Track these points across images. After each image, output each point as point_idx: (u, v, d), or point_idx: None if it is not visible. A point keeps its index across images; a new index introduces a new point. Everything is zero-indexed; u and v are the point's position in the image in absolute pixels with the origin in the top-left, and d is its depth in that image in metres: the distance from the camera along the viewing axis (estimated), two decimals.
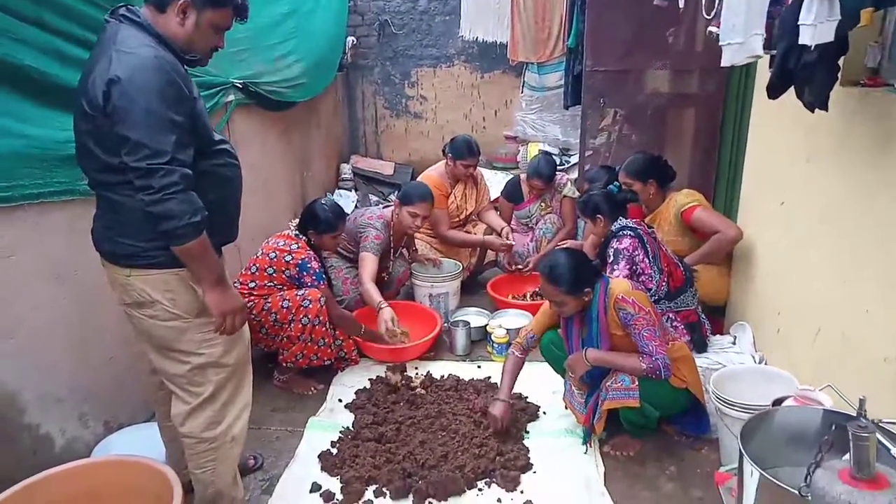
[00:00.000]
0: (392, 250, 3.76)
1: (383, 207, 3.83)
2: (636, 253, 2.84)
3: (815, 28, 1.41)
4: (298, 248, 3.01)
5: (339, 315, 3.10)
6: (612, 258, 2.86)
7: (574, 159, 5.54)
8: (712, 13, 2.03)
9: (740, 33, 1.54)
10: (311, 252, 3.04)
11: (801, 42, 1.46)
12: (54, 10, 2.22)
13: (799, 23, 1.44)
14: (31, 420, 2.26)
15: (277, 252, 3.01)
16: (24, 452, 2.23)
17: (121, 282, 1.87)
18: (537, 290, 3.87)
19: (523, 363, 2.78)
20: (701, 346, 2.96)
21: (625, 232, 2.88)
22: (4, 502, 1.82)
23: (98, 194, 1.87)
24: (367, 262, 3.44)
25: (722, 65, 1.70)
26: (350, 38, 6.10)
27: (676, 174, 3.38)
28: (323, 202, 3.21)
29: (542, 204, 4.24)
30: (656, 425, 2.56)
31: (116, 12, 1.78)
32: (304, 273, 2.96)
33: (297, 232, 3.11)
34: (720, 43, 1.63)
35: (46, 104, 2.22)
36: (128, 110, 1.64)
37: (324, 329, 3.00)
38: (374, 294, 3.36)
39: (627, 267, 2.81)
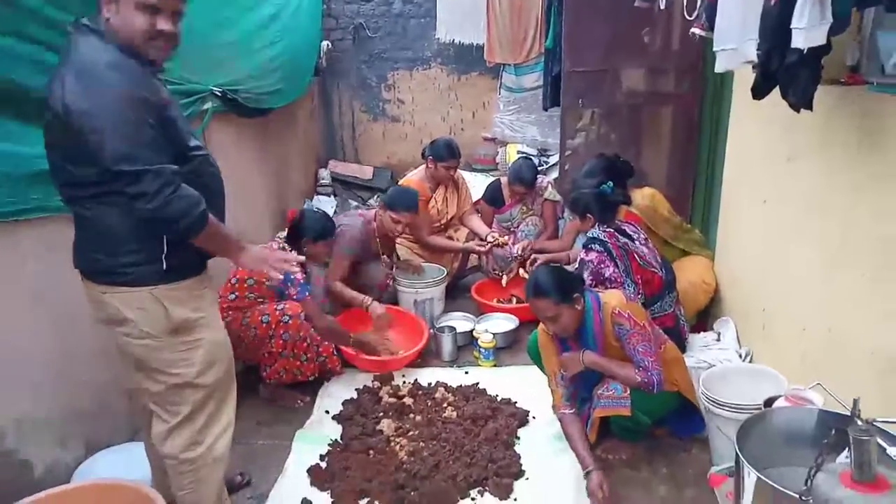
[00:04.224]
0: (377, 250, 3.73)
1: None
2: (602, 266, 2.82)
3: (807, 32, 1.41)
4: None
5: (325, 327, 3.04)
6: (578, 266, 2.86)
7: (553, 160, 5.56)
8: (694, 15, 2.02)
9: (734, 39, 1.53)
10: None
11: (793, 46, 1.46)
12: (32, 19, 2.14)
13: (792, 26, 1.45)
14: (9, 446, 2.19)
15: None
16: (2, 480, 2.15)
17: (97, 299, 1.84)
18: (519, 296, 3.85)
19: (576, 417, 2.54)
20: (680, 350, 2.96)
21: (593, 245, 2.87)
22: None
23: (72, 211, 1.82)
24: (337, 263, 3.45)
25: (716, 70, 1.70)
26: (325, 43, 6.04)
27: (634, 171, 3.27)
28: (314, 209, 3.17)
29: (524, 207, 4.23)
30: (647, 430, 2.55)
31: (77, 23, 1.72)
32: (289, 285, 2.88)
33: (284, 244, 3.05)
34: (714, 49, 1.62)
35: (20, 117, 2.14)
36: (96, 120, 1.59)
37: (305, 344, 2.94)
38: (350, 292, 3.41)
39: (591, 278, 2.80)
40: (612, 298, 2.44)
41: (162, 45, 1.75)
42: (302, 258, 2.20)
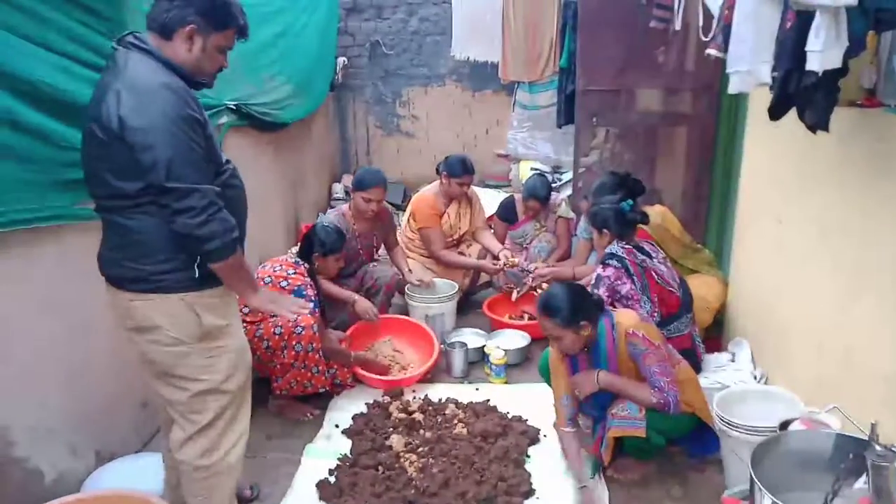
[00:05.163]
0: (357, 239, 3.73)
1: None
2: (618, 282, 2.81)
3: (823, 54, 1.42)
4: (295, 274, 2.97)
5: (329, 348, 3.06)
6: (594, 282, 2.85)
7: (566, 177, 5.56)
8: (710, 35, 2.03)
9: (747, 61, 1.54)
10: (308, 279, 3.00)
11: (808, 68, 1.46)
12: (59, 32, 2.20)
13: (807, 49, 1.45)
14: (21, 453, 2.19)
15: (273, 277, 2.96)
16: (13, 488, 2.16)
17: (124, 306, 1.87)
18: (531, 313, 3.84)
19: (575, 434, 2.57)
20: (695, 371, 2.93)
21: (611, 261, 2.86)
22: None
23: (105, 219, 1.86)
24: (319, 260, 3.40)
25: (729, 92, 1.71)
26: (341, 59, 6.12)
27: (645, 188, 3.27)
28: (325, 224, 3.19)
29: (537, 224, 4.23)
30: (661, 450, 2.53)
31: (124, 40, 1.80)
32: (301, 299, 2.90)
33: (296, 259, 3.07)
34: (727, 71, 1.63)
35: (57, 122, 2.18)
36: (152, 133, 1.67)
37: (317, 356, 2.95)
38: (336, 289, 3.43)
39: (607, 293, 2.79)
40: (626, 318, 2.43)
41: (216, 74, 1.93)
42: (310, 307, 2.24)
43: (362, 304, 3.48)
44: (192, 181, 1.70)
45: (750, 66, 1.53)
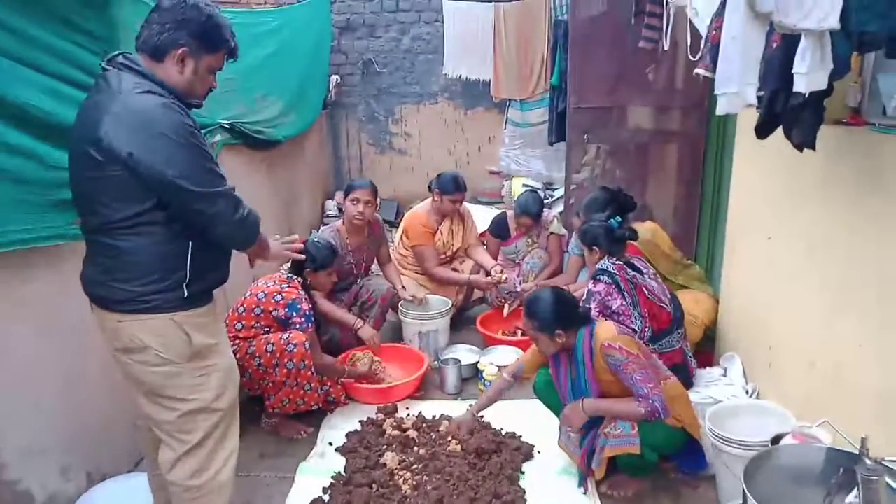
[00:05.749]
0: (351, 254, 3.75)
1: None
2: (609, 298, 2.83)
3: (808, 76, 1.45)
4: (289, 288, 2.98)
5: (321, 364, 3.04)
6: (585, 297, 2.88)
7: (558, 193, 5.61)
8: (698, 56, 2.07)
9: (736, 82, 1.58)
10: (303, 293, 3.00)
11: (795, 90, 1.50)
12: (49, 52, 2.21)
13: (794, 71, 1.49)
14: (12, 475, 2.17)
15: (266, 292, 2.96)
16: None
17: (111, 327, 1.85)
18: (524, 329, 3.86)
19: (508, 387, 2.84)
20: (687, 385, 2.95)
21: (601, 277, 2.89)
22: None
23: (93, 239, 1.85)
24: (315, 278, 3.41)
25: (718, 113, 1.74)
26: (334, 77, 6.17)
27: (636, 204, 3.36)
28: (316, 239, 3.19)
29: (529, 240, 4.26)
30: (653, 466, 2.53)
31: (114, 60, 1.80)
32: (294, 314, 2.90)
33: (289, 274, 3.07)
34: (716, 92, 1.67)
35: (45, 143, 2.18)
36: (163, 153, 1.69)
37: (309, 373, 2.94)
38: (339, 312, 3.47)
39: (598, 309, 2.81)
40: (604, 331, 2.45)
41: (207, 95, 1.97)
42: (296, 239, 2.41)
43: (367, 331, 3.48)
44: (214, 186, 1.78)
45: (738, 88, 1.57)
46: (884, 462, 1.38)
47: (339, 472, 2.72)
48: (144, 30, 1.81)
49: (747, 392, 2.87)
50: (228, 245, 1.95)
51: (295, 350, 2.86)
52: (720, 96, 1.67)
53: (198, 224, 1.80)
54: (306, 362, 2.90)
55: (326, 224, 6.09)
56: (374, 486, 2.60)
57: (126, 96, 1.71)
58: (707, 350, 3.41)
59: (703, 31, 2.09)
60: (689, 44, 2.16)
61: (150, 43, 1.79)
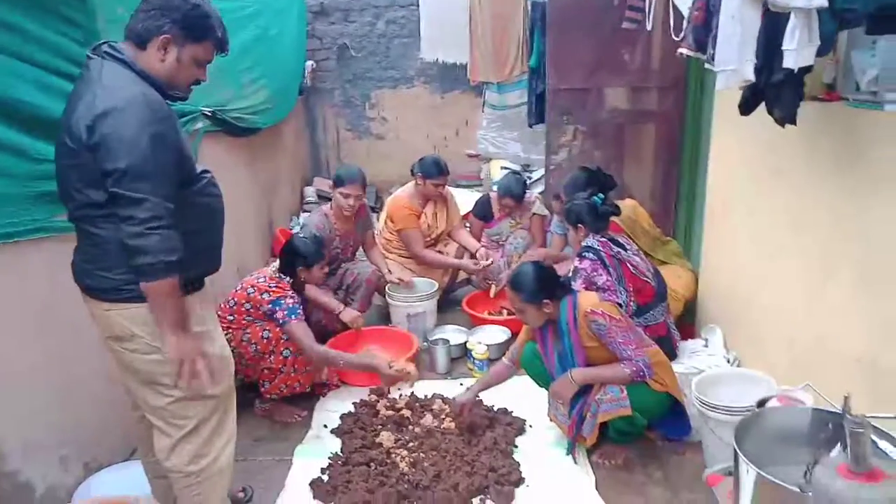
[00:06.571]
0: (338, 238, 3.79)
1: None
2: (595, 274, 2.91)
3: (797, 53, 1.52)
4: (277, 287, 2.95)
5: (316, 353, 2.94)
6: (571, 274, 2.95)
7: (536, 175, 5.66)
8: (681, 35, 2.13)
9: (735, 60, 1.64)
10: (290, 291, 2.96)
11: (784, 66, 1.57)
12: (31, 41, 2.18)
13: (783, 48, 1.55)
14: (12, 467, 2.17)
15: (255, 288, 2.95)
16: (3, 501, 2.14)
17: (100, 315, 1.86)
18: (509, 308, 3.92)
19: (508, 372, 2.88)
20: (671, 357, 3.04)
21: (587, 254, 2.96)
22: None
23: (78, 227, 1.85)
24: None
25: (717, 89, 1.81)
26: (309, 62, 6.12)
27: (616, 184, 3.42)
28: (301, 235, 3.19)
29: (512, 221, 4.31)
30: (642, 431, 2.63)
31: (99, 49, 1.78)
32: (277, 308, 2.88)
33: (279, 274, 3.03)
34: (714, 69, 1.72)
35: (30, 135, 2.16)
36: (115, 142, 1.64)
37: (304, 359, 2.96)
38: (324, 297, 3.46)
39: (583, 285, 2.89)
40: (586, 300, 2.56)
41: (192, 88, 1.90)
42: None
43: (349, 313, 3.51)
44: (145, 193, 1.65)
45: (736, 65, 1.63)
46: (868, 418, 1.47)
47: (336, 453, 2.76)
48: (132, 17, 1.80)
49: (728, 361, 2.98)
50: (129, 258, 1.70)
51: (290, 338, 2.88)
52: (719, 73, 1.73)
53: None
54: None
55: (306, 211, 6.09)
56: (371, 464, 2.65)
57: (103, 84, 1.70)
58: (688, 323, 3.52)
59: (686, 12, 2.15)
60: (672, 24, 2.21)
61: (135, 30, 1.78)
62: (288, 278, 3.02)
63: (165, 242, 1.68)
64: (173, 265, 1.70)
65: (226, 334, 2.55)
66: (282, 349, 2.88)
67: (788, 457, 1.74)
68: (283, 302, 2.90)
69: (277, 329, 2.87)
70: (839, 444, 1.51)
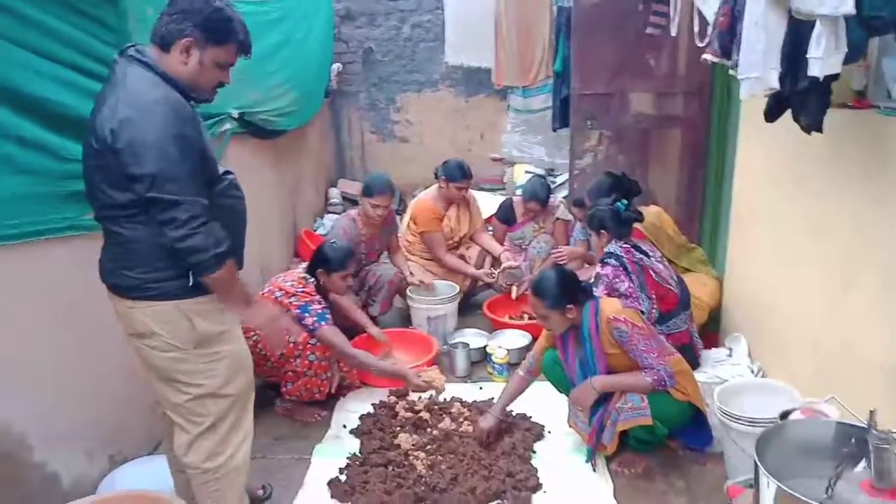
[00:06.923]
0: (364, 244, 3.81)
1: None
2: (617, 280, 2.89)
3: (823, 61, 1.49)
4: (304, 291, 2.98)
5: (349, 356, 2.99)
6: (593, 280, 2.93)
7: (560, 179, 5.65)
8: (705, 41, 2.11)
9: (759, 68, 1.62)
10: (317, 296, 3.00)
11: (810, 74, 1.54)
12: (63, 42, 2.24)
13: (809, 56, 1.53)
14: (39, 459, 2.23)
15: (283, 292, 2.99)
16: (32, 492, 2.20)
17: (124, 313, 1.90)
18: (530, 313, 3.91)
19: (526, 384, 2.84)
20: (694, 366, 3.01)
21: (609, 260, 2.94)
22: None
23: (104, 227, 1.89)
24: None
25: (741, 98, 1.79)
26: (336, 65, 6.18)
27: (641, 189, 3.41)
28: (333, 241, 3.23)
29: (536, 225, 4.30)
30: (663, 440, 2.60)
31: (125, 52, 1.82)
32: (305, 314, 2.91)
33: (305, 274, 3.08)
34: (739, 77, 1.70)
35: (60, 135, 2.22)
36: (140, 146, 1.68)
37: (327, 364, 3.00)
38: (357, 312, 3.46)
39: (605, 291, 2.87)
40: (609, 306, 2.53)
41: (216, 91, 1.93)
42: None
43: (376, 330, 3.50)
44: (178, 194, 1.70)
45: (761, 73, 1.61)
46: (893, 433, 1.44)
47: (355, 454, 2.78)
48: (158, 20, 1.84)
49: (753, 371, 2.93)
50: (179, 259, 1.79)
51: (318, 343, 2.92)
52: (743, 81, 1.71)
53: (155, 226, 1.77)
54: (328, 354, 2.96)
55: (330, 213, 6.14)
56: (389, 465, 2.66)
57: (127, 88, 1.73)
58: (712, 332, 3.48)
59: (710, 18, 2.13)
60: (697, 30, 2.19)
61: (159, 33, 1.81)
62: (313, 279, 3.06)
63: (211, 237, 1.76)
64: (224, 254, 1.80)
65: (253, 336, 2.59)
66: (308, 354, 2.91)
67: (811, 470, 1.71)
68: (311, 308, 2.93)
69: (305, 334, 2.90)
70: (863, 460, 1.48)
